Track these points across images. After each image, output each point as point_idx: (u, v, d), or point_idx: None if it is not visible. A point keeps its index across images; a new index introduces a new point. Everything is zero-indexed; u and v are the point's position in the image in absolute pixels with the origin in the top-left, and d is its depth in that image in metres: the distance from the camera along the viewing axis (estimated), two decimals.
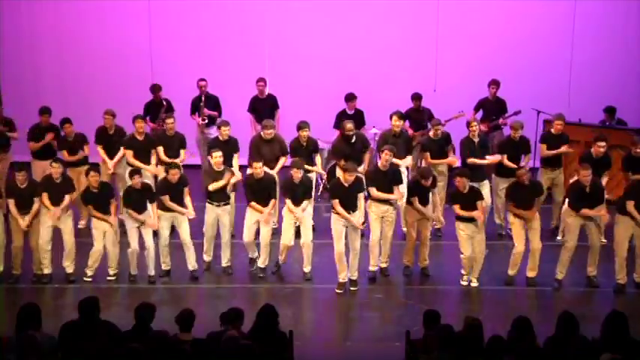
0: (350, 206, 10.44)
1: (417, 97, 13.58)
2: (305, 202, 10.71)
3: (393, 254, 11.00)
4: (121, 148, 12.09)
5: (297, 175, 10.55)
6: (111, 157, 12.18)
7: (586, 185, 10.44)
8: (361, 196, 10.60)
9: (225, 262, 11.08)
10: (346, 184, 10.44)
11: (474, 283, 10.69)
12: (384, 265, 10.94)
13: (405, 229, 11.34)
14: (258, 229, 10.89)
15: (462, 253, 10.60)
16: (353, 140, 11.82)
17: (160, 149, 11.96)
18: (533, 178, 11.16)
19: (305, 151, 11.76)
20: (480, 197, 10.62)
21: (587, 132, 12.91)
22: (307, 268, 10.87)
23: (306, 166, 11.25)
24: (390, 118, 11.86)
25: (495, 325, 8.47)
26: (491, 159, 11.76)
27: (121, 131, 12.28)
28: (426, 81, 14.70)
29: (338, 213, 10.41)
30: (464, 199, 10.47)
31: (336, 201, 10.43)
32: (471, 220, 10.47)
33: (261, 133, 11.73)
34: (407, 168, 11.90)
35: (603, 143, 11.37)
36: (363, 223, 10.54)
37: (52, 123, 12.47)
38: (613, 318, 7.07)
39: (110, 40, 15.10)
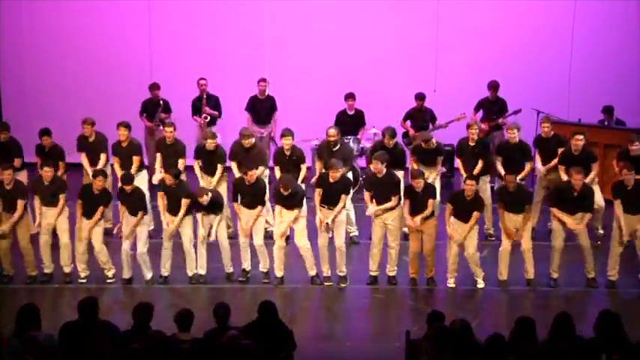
0: (330, 202, 10.53)
1: (420, 97, 13.52)
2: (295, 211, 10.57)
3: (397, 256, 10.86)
4: (102, 155, 11.85)
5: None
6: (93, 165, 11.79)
7: (575, 189, 10.34)
8: (344, 197, 10.56)
9: (227, 268, 10.92)
10: (332, 180, 10.51)
11: (481, 284, 10.64)
12: (392, 274, 10.75)
13: (405, 229, 11.32)
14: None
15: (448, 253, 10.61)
16: (335, 148, 11.53)
17: (158, 155, 11.78)
18: (533, 182, 11.06)
19: (288, 161, 11.31)
20: (481, 209, 10.57)
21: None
22: (312, 272, 10.77)
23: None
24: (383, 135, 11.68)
25: (496, 325, 8.46)
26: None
27: (102, 137, 12.01)
28: (426, 81, 14.69)
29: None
30: (462, 205, 10.43)
31: (318, 190, 10.59)
32: (465, 220, 10.45)
33: (242, 141, 11.31)
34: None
35: (581, 136, 11.11)
36: (324, 224, 10.53)
37: (12, 137, 11.90)
38: (605, 318, 7.05)
39: (110, 40, 15.12)
